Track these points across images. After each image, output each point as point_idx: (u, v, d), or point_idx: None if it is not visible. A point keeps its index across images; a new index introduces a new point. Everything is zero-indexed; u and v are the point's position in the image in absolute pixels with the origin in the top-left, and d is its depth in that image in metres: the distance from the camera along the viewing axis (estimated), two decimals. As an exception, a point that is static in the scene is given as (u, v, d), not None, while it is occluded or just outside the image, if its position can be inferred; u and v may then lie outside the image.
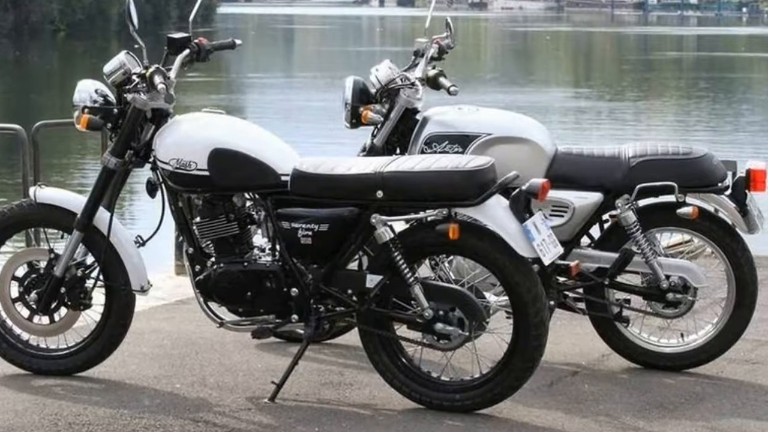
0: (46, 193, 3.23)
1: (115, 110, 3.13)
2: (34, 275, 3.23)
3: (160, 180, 3.13)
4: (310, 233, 2.97)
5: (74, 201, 3.25)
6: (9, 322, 3.27)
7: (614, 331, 3.46)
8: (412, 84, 3.62)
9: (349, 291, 3.02)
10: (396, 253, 2.94)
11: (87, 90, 3.17)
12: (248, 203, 3.15)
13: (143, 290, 3.23)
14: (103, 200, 3.21)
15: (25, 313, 3.26)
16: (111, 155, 3.16)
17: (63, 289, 3.20)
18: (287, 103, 19.91)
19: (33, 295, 3.20)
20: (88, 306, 3.27)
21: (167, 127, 3.11)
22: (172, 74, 3.09)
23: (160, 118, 3.14)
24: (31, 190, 3.33)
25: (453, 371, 3.08)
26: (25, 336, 3.29)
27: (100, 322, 3.25)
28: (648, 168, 3.38)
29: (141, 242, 3.28)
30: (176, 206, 3.14)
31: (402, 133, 3.64)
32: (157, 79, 3.00)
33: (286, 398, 3.10)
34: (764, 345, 3.73)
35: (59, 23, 38.86)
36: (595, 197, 3.42)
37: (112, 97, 3.19)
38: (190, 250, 3.16)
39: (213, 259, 3.12)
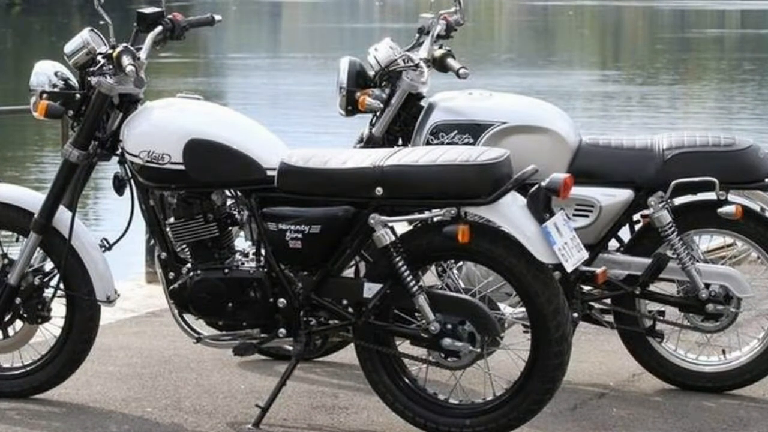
0: None
1: (78, 95, 3.14)
2: None
3: (129, 175, 3.14)
4: (299, 236, 2.97)
5: (31, 199, 3.26)
6: None
7: (646, 348, 3.47)
8: (416, 66, 3.62)
9: (345, 302, 3.02)
10: (398, 259, 2.94)
11: (45, 72, 3.18)
12: (229, 202, 3.15)
13: (109, 301, 3.23)
14: (64, 198, 3.21)
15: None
16: (73, 147, 3.16)
17: (18, 300, 3.20)
18: (274, 87, 19.94)
19: None
20: (46, 319, 3.27)
21: (137, 115, 3.11)
22: (142, 54, 3.09)
23: (128, 104, 3.15)
24: (-20, 186, 3.35)
25: (462, 393, 3.08)
26: None
27: (61, 337, 3.25)
28: (685, 161, 3.39)
29: (107, 246, 3.28)
30: (147, 205, 3.14)
31: (404, 122, 3.64)
32: (126, 60, 3.00)
33: (272, 423, 3.10)
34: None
35: (14, -4, 38.94)
36: (624, 195, 3.42)
37: (74, 81, 3.20)
38: (163, 255, 3.16)
39: (189, 265, 3.12)
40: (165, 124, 3.08)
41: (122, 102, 3.14)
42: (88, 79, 3.14)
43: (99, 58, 3.10)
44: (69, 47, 3.15)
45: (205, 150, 3.02)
